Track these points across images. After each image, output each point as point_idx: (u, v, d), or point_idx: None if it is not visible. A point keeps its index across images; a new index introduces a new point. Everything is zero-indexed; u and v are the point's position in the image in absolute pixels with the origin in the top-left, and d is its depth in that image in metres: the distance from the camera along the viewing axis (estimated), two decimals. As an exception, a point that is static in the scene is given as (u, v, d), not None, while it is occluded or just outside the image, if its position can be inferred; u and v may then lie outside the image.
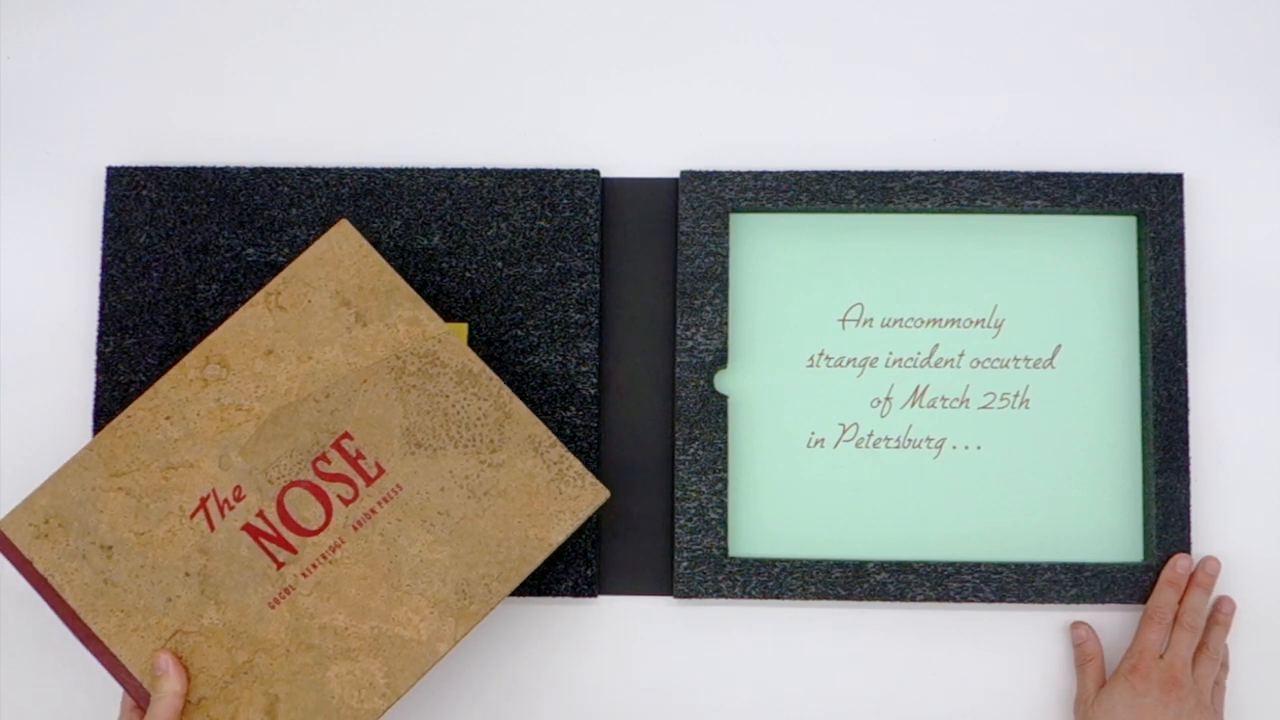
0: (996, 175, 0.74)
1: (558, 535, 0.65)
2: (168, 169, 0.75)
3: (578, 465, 0.66)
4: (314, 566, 0.64)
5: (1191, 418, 0.73)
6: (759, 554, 0.73)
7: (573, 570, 0.72)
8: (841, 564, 0.71)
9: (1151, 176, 0.74)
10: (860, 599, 0.71)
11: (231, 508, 0.65)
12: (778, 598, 0.71)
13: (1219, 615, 0.71)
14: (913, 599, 0.71)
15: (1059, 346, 0.74)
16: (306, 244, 0.74)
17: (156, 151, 0.77)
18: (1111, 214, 0.75)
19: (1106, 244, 0.75)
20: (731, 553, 0.73)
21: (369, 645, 0.64)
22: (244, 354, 0.66)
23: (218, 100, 0.78)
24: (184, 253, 0.75)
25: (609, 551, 0.73)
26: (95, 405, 0.74)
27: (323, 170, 0.75)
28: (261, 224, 0.75)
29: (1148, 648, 0.69)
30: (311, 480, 0.65)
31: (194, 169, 0.75)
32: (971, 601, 0.71)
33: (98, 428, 0.73)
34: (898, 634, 0.73)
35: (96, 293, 0.76)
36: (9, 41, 0.78)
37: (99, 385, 0.74)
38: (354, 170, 0.75)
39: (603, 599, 0.74)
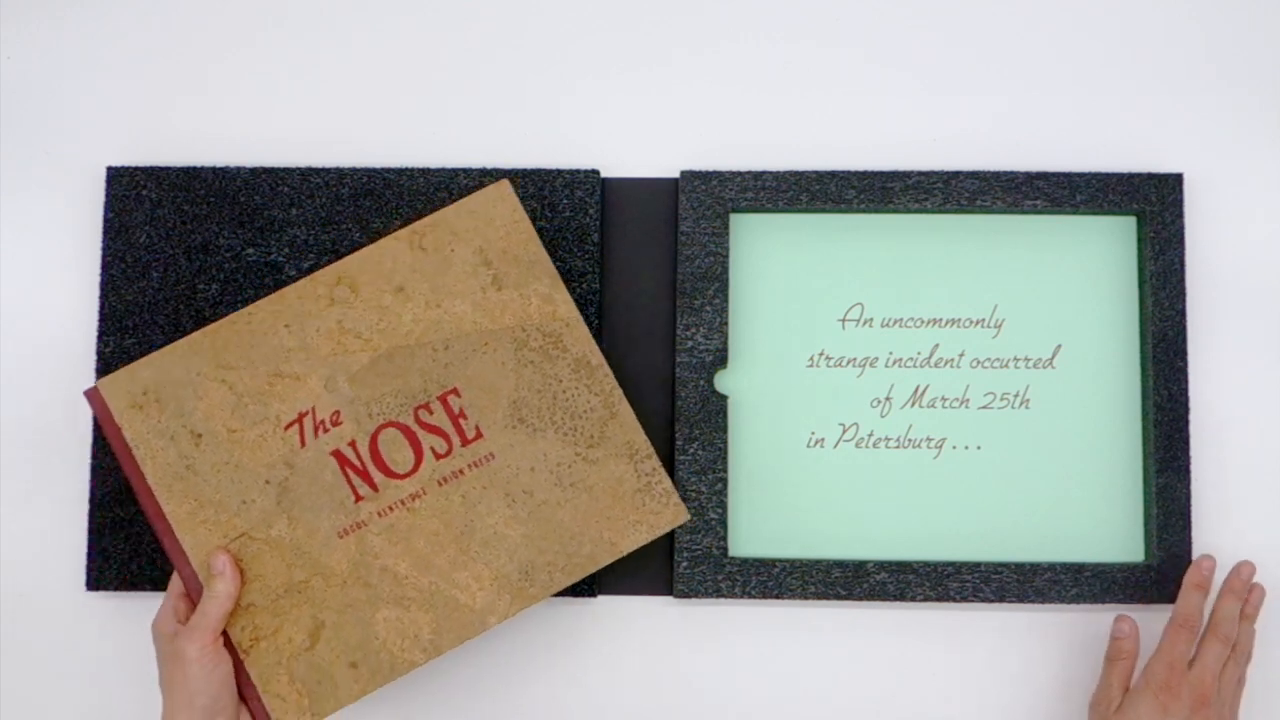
0: (996, 175, 0.74)
1: (629, 544, 0.65)
2: (168, 169, 0.75)
3: (667, 483, 0.66)
4: (390, 509, 0.64)
5: (1191, 418, 0.73)
6: (759, 554, 0.73)
7: (572, 570, 0.72)
8: (841, 564, 0.71)
9: (1151, 176, 0.74)
10: (860, 599, 0.71)
11: (326, 430, 0.64)
12: (778, 598, 0.71)
13: (1248, 609, 0.68)
14: (913, 599, 0.71)
15: (1059, 346, 0.74)
16: (306, 244, 0.74)
17: (156, 151, 0.77)
18: (1111, 214, 0.75)
19: (1106, 244, 0.75)
20: (731, 553, 0.73)
21: (423, 598, 0.64)
22: (375, 284, 0.65)
23: (218, 100, 0.78)
24: (184, 253, 0.75)
25: (609, 551, 0.74)
26: (95, 405, 0.74)
27: (323, 170, 0.75)
28: (261, 224, 0.75)
29: (1177, 660, 0.66)
30: (410, 425, 0.65)
31: (194, 169, 0.75)
32: (971, 601, 0.71)
33: (98, 427, 0.73)
34: (898, 634, 0.73)
35: (96, 293, 0.76)
36: (9, 41, 0.78)
37: (99, 385, 0.74)
38: (354, 170, 0.75)
39: (602, 599, 0.74)
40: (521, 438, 0.65)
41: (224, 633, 0.63)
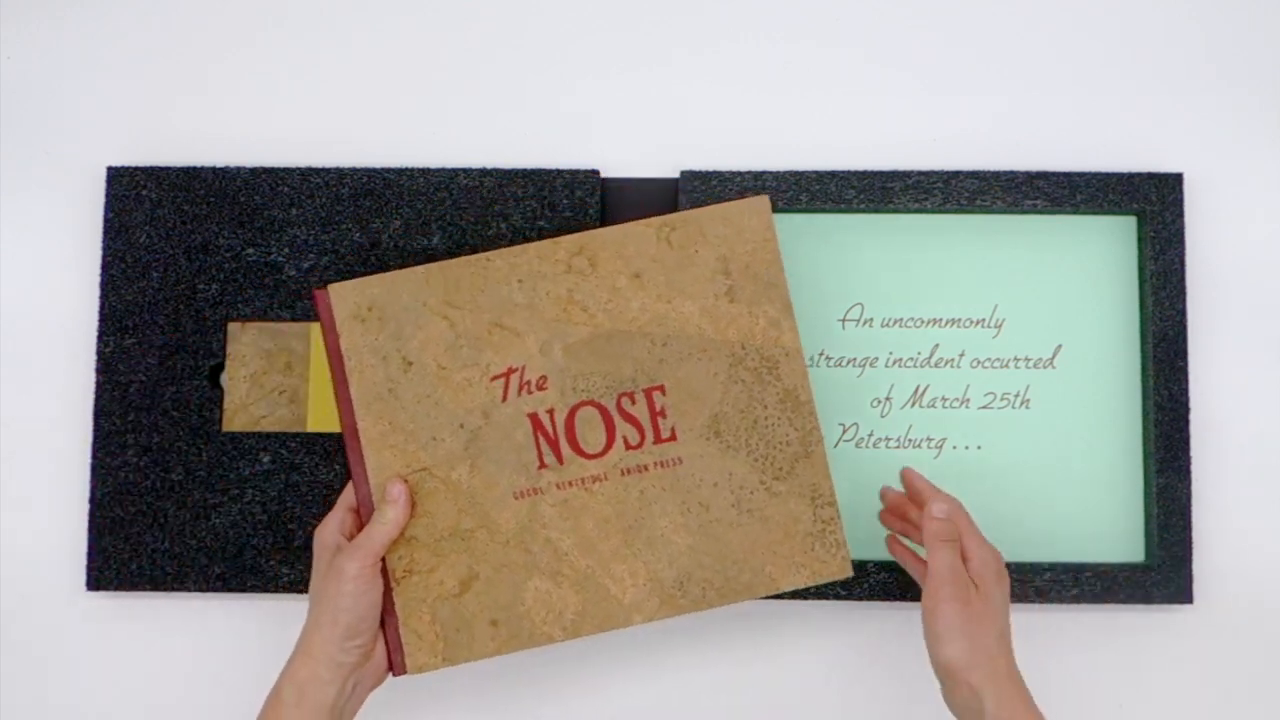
0: (996, 175, 0.74)
1: (787, 584, 0.65)
2: (168, 169, 0.75)
3: (841, 535, 0.65)
4: (570, 484, 0.64)
5: (1191, 418, 0.73)
6: (759, 554, 0.73)
7: (573, 570, 0.72)
8: (841, 564, 0.71)
9: (1151, 176, 0.74)
10: (860, 599, 0.71)
11: (530, 392, 0.65)
12: (778, 598, 0.71)
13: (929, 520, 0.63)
14: (913, 599, 0.71)
15: (1059, 346, 0.74)
16: (306, 244, 0.74)
17: (156, 151, 0.77)
18: (1111, 214, 0.75)
19: (1106, 244, 0.75)
20: (731, 553, 0.73)
21: (577, 579, 0.64)
22: (614, 264, 0.65)
23: (218, 100, 0.78)
24: (184, 253, 0.75)
25: (609, 551, 0.74)
26: (95, 405, 0.74)
27: (323, 170, 0.75)
28: (261, 224, 0.75)
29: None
30: (609, 409, 0.65)
31: (194, 169, 0.75)
32: (971, 601, 0.71)
33: (98, 427, 0.73)
34: (898, 634, 0.73)
35: (96, 293, 0.76)
36: (9, 41, 0.78)
37: (99, 385, 0.74)
38: (354, 170, 0.75)
39: (603, 599, 0.74)
40: (713, 451, 0.65)
41: (381, 560, 0.63)
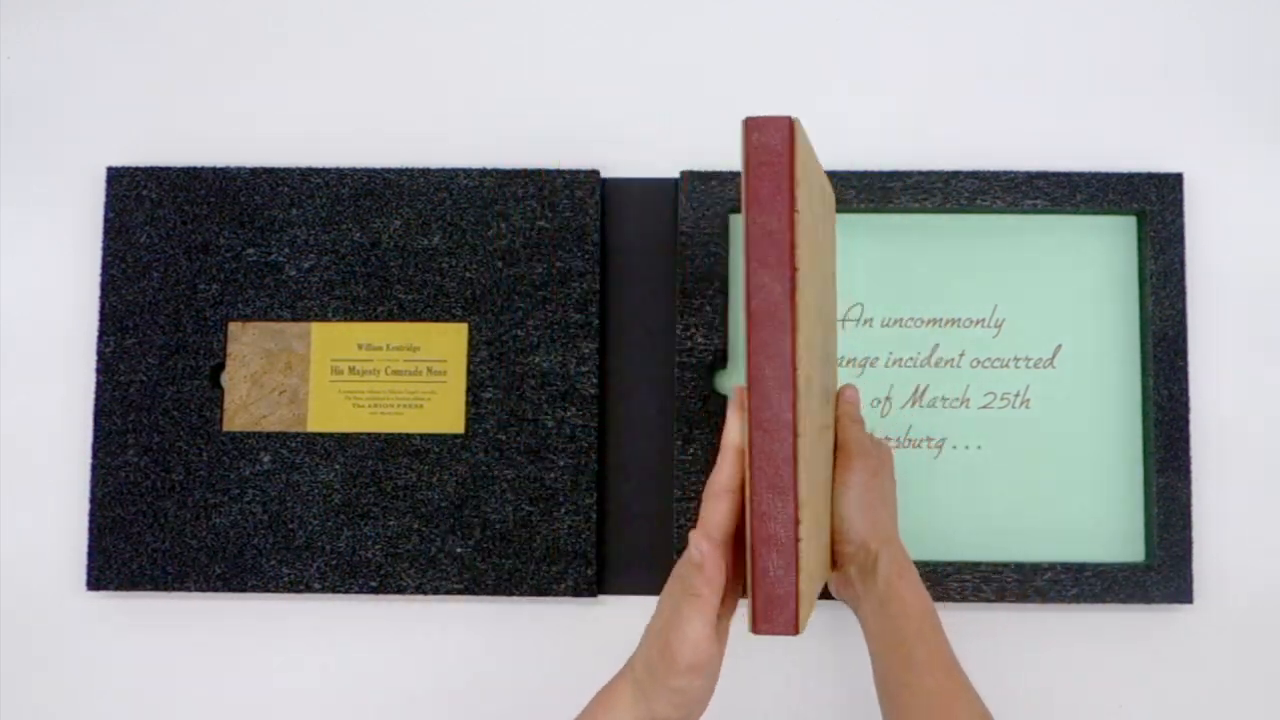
0: (996, 175, 0.74)
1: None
2: (168, 169, 0.75)
3: None
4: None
5: (1191, 418, 0.73)
6: (759, 554, 0.73)
7: (573, 570, 0.72)
8: (841, 564, 0.71)
9: (1151, 176, 0.74)
10: (860, 599, 0.71)
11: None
12: (778, 598, 0.71)
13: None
14: (913, 599, 0.71)
15: (1059, 346, 0.74)
16: (306, 244, 0.74)
17: (156, 151, 0.77)
18: (1111, 214, 0.75)
19: (1106, 244, 0.75)
20: (731, 553, 0.73)
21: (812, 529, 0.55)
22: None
23: (218, 100, 0.78)
24: (184, 253, 0.75)
25: (609, 551, 0.73)
26: (95, 405, 0.74)
27: (323, 170, 0.75)
28: (261, 224, 0.75)
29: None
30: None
31: (194, 169, 0.75)
32: (971, 601, 0.71)
33: (98, 427, 0.73)
34: (898, 634, 0.73)
35: (96, 293, 0.76)
36: (9, 41, 0.78)
37: (99, 385, 0.74)
38: (354, 170, 0.75)
39: (603, 599, 0.74)
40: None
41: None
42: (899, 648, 0.59)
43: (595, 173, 0.75)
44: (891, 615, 0.59)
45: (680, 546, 0.71)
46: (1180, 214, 0.73)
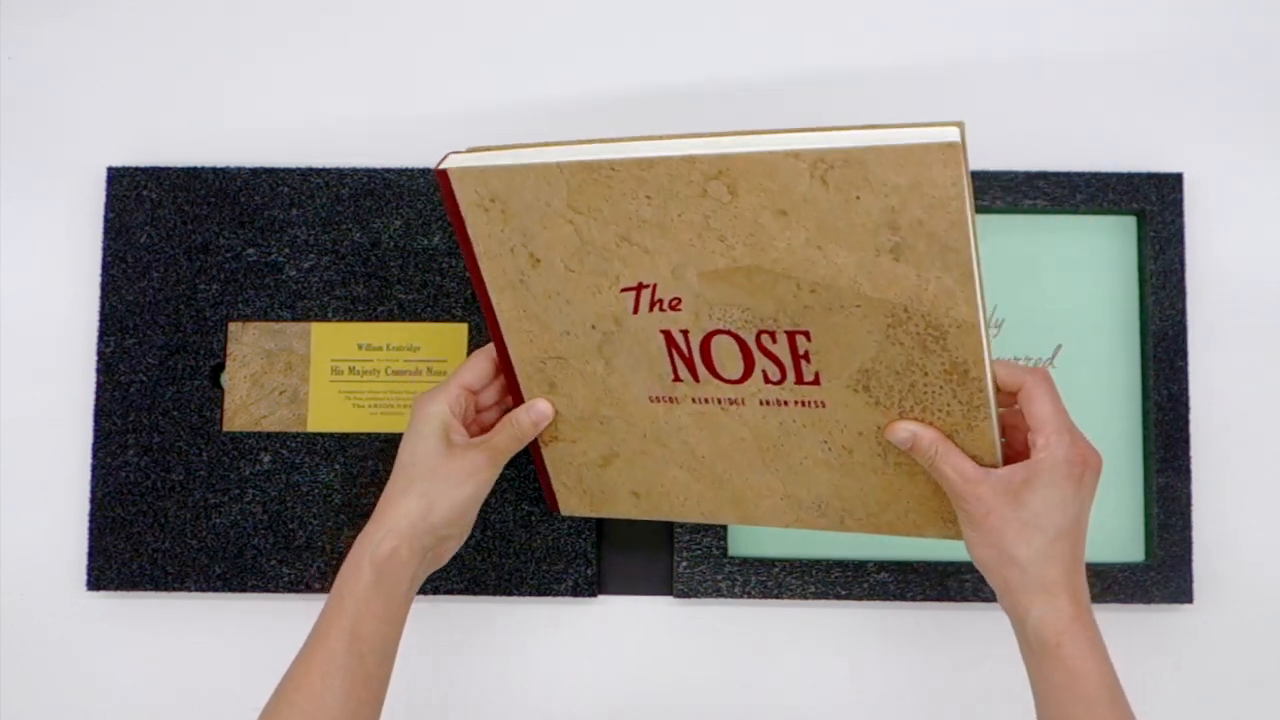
0: (996, 175, 0.74)
1: (931, 534, 0.62)
2: (168, 169, 0.75)
3: None
4: (705, 400, 0.62)
5: (1191, 418, 0.73)
6: (759, 554, 0.73)
7: (573, 570, 0.72)
8: (841, 564, 0.71)
9: (1151, 176, 0.74)
10: (860, 599, 0.71)
11: (663, 310, 0.60)
12: (778, 598, 0.71)
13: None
14: (913, 599, 0.71)
15: (1059, 346, 0.74)
16: (306, 244, 0.74)
17: (156, 151, 0.77)
18: (1111, 214, 0.75)
19: (1106, 244, 0.75)
20: (731, 552, 0.73)
21: (713, 479, 0.64)
22: (756, 196, 0.54)
23: (218, 100, 0.78)
24: (184, 253, 0.75)
25: (609, 551, 0.73)
26: (95, 405, 0.74)
27: (323, 170, 0.75)
28: (261, 224, 0.75)
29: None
30: (748, 343, 0.59)
31: (194, 169, 0.75)
32: (971, 601, 0.71)
33: (98, 427, 0.73)
34: (898, 634, 0.73)
35: (96, 293, 0.76)
36: (9, 41, 0.78)
37: (99, 385, 0.74)
38: (354, 170, 0.75)
39: (603, 599, 0.74)
40: (860, 403, 0.59)
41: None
42: None
43: (595, 173, 0.75)
44: (1054, 684, 0.51)
45: (681, 547, 0.71)
46: (1180, 214, 0.73)
